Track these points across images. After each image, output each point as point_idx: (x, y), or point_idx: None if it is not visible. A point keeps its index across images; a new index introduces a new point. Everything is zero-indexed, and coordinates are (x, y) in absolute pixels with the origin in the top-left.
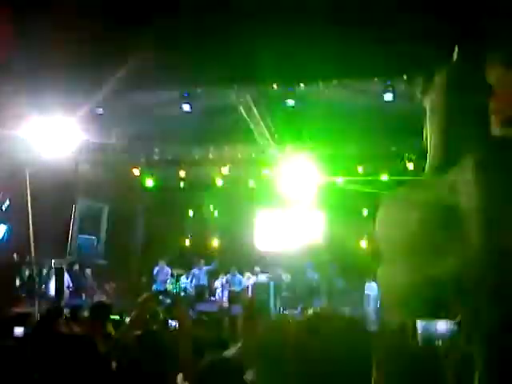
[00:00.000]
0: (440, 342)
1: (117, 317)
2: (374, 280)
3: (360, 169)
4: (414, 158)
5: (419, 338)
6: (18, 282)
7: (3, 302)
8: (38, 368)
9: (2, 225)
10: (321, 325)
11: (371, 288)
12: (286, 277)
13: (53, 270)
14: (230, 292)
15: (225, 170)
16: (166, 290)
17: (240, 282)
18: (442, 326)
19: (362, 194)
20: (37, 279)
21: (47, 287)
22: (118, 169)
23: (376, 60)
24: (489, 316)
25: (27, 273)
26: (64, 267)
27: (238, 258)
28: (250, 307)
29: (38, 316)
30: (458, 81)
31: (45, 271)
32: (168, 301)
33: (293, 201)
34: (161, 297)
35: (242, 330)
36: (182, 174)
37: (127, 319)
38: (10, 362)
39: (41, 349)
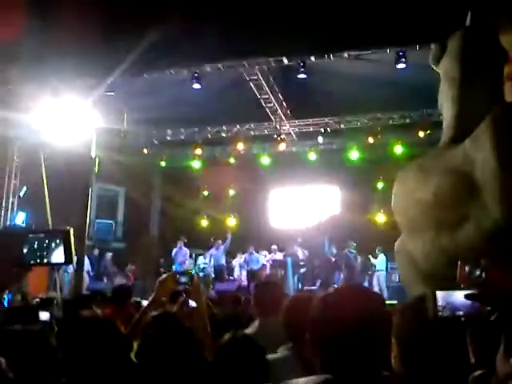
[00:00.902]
0: (460, 312)
1: (138, 299)
2: (384, 252)
3: (372, 140)
4: (428, 128)
5: (440, 308)
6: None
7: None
8: (63, 353)
9: (21, 212)
10: (342, 301)
11: (381, 259)
12: (304, 253)
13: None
14: (248, 271)
15: (240, 147)
16: (184, 270)
17: (258, 261)
18: (462, 296)
19: (376, 168)
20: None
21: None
22: (132, 151)
23: (388, 29)
24: (504, 287)
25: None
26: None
27: (255, 237)
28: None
29: (60, 301)
30: (472, 47)
31: None
32: (186, 281)
33: (307, 177)
34: (180, 277)
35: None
36: (198, 152)
37: (146, 301)
38: (39, 346)
39: (65, 334)
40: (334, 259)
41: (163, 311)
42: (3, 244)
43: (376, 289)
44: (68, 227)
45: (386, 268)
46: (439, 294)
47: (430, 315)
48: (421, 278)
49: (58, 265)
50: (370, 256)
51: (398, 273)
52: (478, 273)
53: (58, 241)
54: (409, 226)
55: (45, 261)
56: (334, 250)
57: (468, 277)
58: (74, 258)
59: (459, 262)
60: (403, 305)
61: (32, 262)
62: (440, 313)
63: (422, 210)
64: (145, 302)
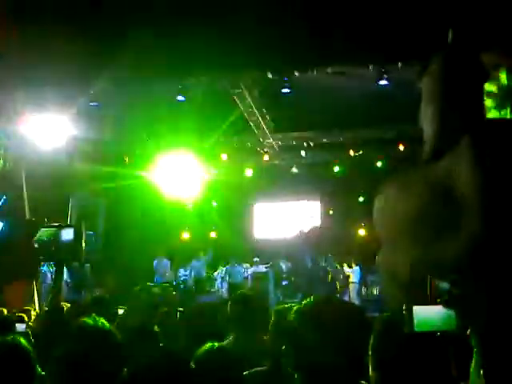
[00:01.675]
0: (436, 328)
1: (119, 310)
2: (359, 264)
3: (355, 154)
4: (409, 143)
5: (415, 323)
6: None
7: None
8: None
9: None
10: (319, 312)
11: (355, 271)
12: (286, 266)
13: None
14: (229, 284)
15: (224, 156)
16: (165, 282)
17: (240, 273)
18: (439, 312)
19: (358, 181)
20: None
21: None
22: (112, 162)
23: (371, 46)
24: (480, 303)
25: None
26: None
27: (237, 250)
28: None
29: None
30: (452, 66)
31: (44, 268)
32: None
33: (290, 190)
34: (158, 289)
35: None
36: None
37: (122, 312)
38: (14, 358)
39: (43, 344)
40: (317, 271)
41: (140, 324)
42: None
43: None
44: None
45: (360, 280)
46: (416, 308)
47: (406, 329)
48: (400, 292)
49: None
50: (345, 265)
51: (377, 286)
52: (446, 287)
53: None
54: (389, 239)
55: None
56: (317, 263)
57: (437, 292)
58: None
59: (429, 277)
60: (381, 318)
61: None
62: (414, 328)
63: (403, 223)
64: (121, 311)
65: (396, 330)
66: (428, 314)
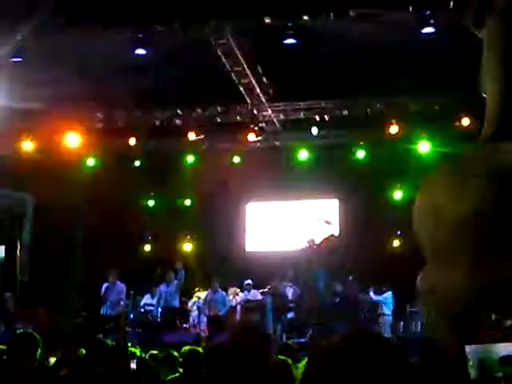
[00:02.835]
0: (499, 374)
1: (51, 359)
2: (391, 290)
3: (387, 133)
4: (466, 118)
5: (473, 366)
6: None
7: None
8: None
9: None
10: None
11: (386, 299)
12: (291, 291)
13: None
14: (209, 316)
15: (192, 136)
16: (117, 314)
17: (224, 302)
18: (506, 350)
19: (392, 172)
20: None
21: None
22: (44, 143)
23: None
24: None
25: None
26: None
27: (221, 268)
28: None
29: None
30: None
31: None
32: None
33: (296, 184)
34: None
35: None
36: (139, 145)
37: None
38: None
39: None
40: (333, 299)
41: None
42: None
43: None
44: None
45: (394, 310)
46: (470, 348)
47: (457, 377)
48: (451, 327)
49: None
50: (372, 292)
51: (419, 319)
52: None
53: None
54: (437, 254)
55: None
56: (334, 287)
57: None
58: None
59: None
60: (425, 357)
61: None
62: (472, 373)
63: (457, 230)
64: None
65: (442, 376)
66: (488, 355)
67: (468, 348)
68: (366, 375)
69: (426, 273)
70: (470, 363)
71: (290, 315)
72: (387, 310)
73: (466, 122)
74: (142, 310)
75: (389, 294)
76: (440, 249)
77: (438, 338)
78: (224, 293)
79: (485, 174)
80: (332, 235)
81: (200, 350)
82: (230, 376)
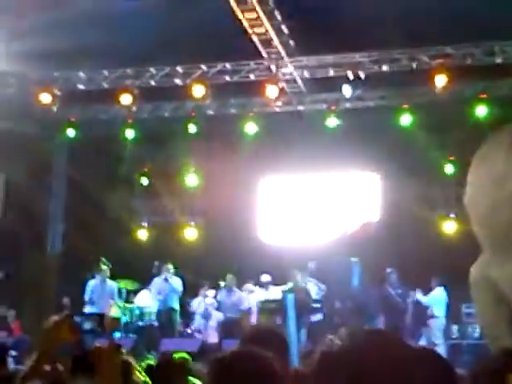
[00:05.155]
0: None
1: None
2: (444, 285)
3: (439, 81)
4: None
5: None
6: None
7: None
8: None
9: None
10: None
11: (438, 297)
12: (319, 288)
13: None
14: (220, 320)
15: (198, 93)
16: (97, 314)
17: (238, 302)
18: None
19: (444, 140)
20: None
21: None
22: (14, 109)
23: None
24: None
25: None
26: None
27: (233, 261)
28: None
29: None
30: None
31: None
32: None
33: (324, 158)
34: (83, 322)
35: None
36: (126, 109)
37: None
38: None
39: None
40: (371, 298)
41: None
42: None
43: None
44: None
45: (447, 312)
46: None
47: None
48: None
49: None
50: (419, 293)
51: (476, 322)
52: None
53: None
54: (495, 239)
55: None
56: (367, 284)
57: None
58: None
59: None
60: (477, 368)
61: None
62: None
63: None
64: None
65: None
66: None
67: None
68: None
69: (482, 263)
70: None
71: (315, 317)
72: (438, 311)
73: None
74: (137, 312)
75: (440, 292)
76: (500, 233)
77: (493, 340)
78: (241, 293)
79: None
80: (370, 221)
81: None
82: None
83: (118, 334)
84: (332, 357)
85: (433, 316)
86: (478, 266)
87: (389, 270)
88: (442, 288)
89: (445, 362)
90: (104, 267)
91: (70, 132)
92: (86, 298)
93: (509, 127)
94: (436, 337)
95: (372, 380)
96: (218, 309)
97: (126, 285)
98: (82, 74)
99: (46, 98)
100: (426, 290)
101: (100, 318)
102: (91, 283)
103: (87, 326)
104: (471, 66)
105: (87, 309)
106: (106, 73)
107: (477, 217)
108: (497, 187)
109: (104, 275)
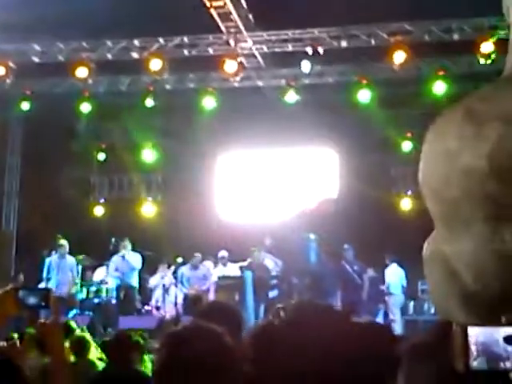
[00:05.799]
0: (507, 364)
1: None
2: (398, 262)
3: (396, 68)
4: (487, 50)
5: (473, 355)
6: None
7: None
8: None
9: None
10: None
11: (394, 273)
12: (276, 264)
13: None
14: (182, 297)
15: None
16: (48, 290)
17: (206, 278)
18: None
19: (400, 117)
20: None
21: None
22: None
23: None
24: None
25: None
26: None
27: (190, 237)
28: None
29: None
30: None
31: None
32: (37, 302)
33: (282, 133)
34: (26, 296)
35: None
36: (88, 84)
37: None
38: None
39: None
40: (327, 274)
41: None
42: None
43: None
44: None
45: (404, 288)
46: (473, 330)
47: (454, 364)
48: (463, 303)
49: None
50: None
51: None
52: None
53: None
54: (447, 215)
55: None
56: (325, 260)
57: None
58: None
59: None
60: (412, 342)
61: None
62: (473, 362)
63: (472, 185)
64: None
65: (433, 363)
66: (494, 341)
67: (472, 330)
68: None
69: (434, 239)
70: (473, 348)
71: (272, 293)
72: (394, 288)
73: (486, 47)
74: (93, 289)
75: (394, 268)
76: (451, 207)
77: (445, 316)
78: (207, 268)
79: (503, 120)
80: (328, 198)
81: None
82: (182, 370)
83: (73, 311)
84: (273, 328)
85: (390, 293)
86: (431, 241)
87: (346, 246)
88: (396, 264)
89: (388, 335)
90: (63, 242)
91: (25, 105)
92: (44, 274)
93: (462, 102)
94: (393, 313)
95: (308, 353)
96: (181, 284)
97: (83, 261)
98: (36, 47)
99: None
100: (382, 267)
101: (46, 292)
102: (48, 260)
103: (32, 300)
104: (429, 43)
105: (42, 285)
106: (61, 45)
107: (429, 192)
108: (449, 162)
109: (63, 251)
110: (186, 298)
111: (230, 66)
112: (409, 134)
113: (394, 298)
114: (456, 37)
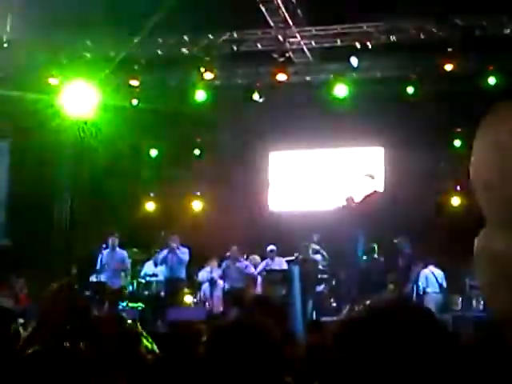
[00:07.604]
0: None
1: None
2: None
3: (449, 66)
4: None
5: None
6: None
7: None
8: None
9: None
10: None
11: (429, 279)
12: (323, 259)
13: None
14: (226, 290)
15: (207, 75)
16: (103, 284)
17: (243, 272)
18: None
19: (451, 113)
20: None
21: None
22: (21, 78)
23: None
24: None
25: None
26: None
27: (239, 232)
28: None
29: None
30: None
31: None
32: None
33: (331, 128)
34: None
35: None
36: (135, 82)
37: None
38: None
39: None
40: (374, 269)
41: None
42: None
43: None
44: None
45: (440, 286)
46: None
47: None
48: None
49: None
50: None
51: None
52: None
53: None
54: (499, 211)
55: None
56: (375, 255)
57: None
58: None
59: None
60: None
61: None
62: None
63: None
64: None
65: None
66: None
67: None
68: (391, 353)
69: (485, 236)
70: None
71: (320, 288)
72: (431, 287)
73: None
74: (143, 282)
75: (433, 269)
76: (502, 198)
77: (497, 314)
78: (246, 262)
79: None
80: (375, 191)
81: None
82: (230, 360)
83: (123, 304)
84: (353, 325)
85: (427, 292)
86: (482, 237)
87: (401, 239)
88: (433, 266)
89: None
90: (115, 235)
91: None
92: (98, 267)
93: None
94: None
95: (392, 350)
96: (223, 278)
97: (133, 255)
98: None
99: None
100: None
101: (100, 286)
102: (102, 253)
103: (87, 293)
104: (479, 38)
105: (93, 278)
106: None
107: (481, 185)
108: (501, 156)
109: (114, 244)
110: (229, 291)
111: (281, 77)
112: (458, 130)
113: (429, 296)
114: (507, 31)
